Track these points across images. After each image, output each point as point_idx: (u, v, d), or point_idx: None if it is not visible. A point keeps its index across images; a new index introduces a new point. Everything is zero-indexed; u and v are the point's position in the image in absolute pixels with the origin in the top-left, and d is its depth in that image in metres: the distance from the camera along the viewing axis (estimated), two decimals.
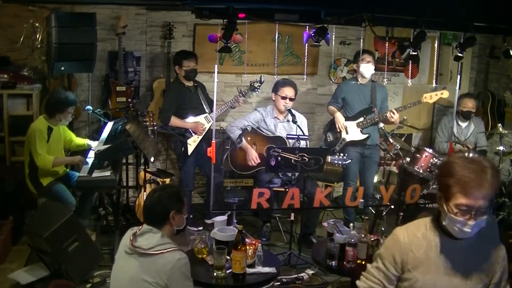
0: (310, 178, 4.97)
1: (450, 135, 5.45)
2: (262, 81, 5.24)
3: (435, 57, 6.27)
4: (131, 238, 2.60)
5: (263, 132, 5.13)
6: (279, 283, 4.10)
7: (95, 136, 5.11)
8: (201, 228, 5.15)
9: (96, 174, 4.30)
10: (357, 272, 3.30)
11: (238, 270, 3.09)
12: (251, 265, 3.23)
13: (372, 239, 3.34)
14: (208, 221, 5.15)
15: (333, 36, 4.79)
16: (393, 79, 6.22)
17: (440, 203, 1.99)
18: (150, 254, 2.53)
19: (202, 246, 3.32)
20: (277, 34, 5.25)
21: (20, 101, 5.04)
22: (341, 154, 4.84)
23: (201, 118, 5.17)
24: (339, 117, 5.13)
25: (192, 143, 5.13)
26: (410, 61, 5.74)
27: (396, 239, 2.06)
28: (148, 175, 4.60)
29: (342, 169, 5.26)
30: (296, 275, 4.26)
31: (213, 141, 4.10)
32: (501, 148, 5.32)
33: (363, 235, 3.32)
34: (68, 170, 4.82)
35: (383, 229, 5.08)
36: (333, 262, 3.35)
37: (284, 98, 4.99)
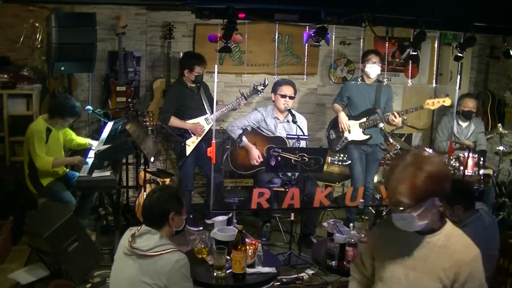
0: (310, 178, 4.97)
1: (450, 134, 5.45)
2: (266, 84, 5.22)
3: (435, 57, 6.27)
4: (130, 240, 2.59)
5: (263, 132, 5.13)
6: (279, 283, 4.10)
7: (95, 136, 5.11)
8: (201, 228, 5.15)
9: (96, 174, 4.30)
10: None
11: (238, 270, 3.09)
12: (251, 265, 3.23)
13: None
14: (208, 221, 5.15)
15: (333, 36, 4.80)
16: (393, 79, 6.22)
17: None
18: (149, 255, 2.52)
19: (202, 246, 3.32)
20: (277, 34, 5.25)
21: (20, 101, 5.04)
22: (341, 155, 4.85)
23: (201, 120, 5.17)
24: (343, 116, 5.13)
25: (191, 144, 5.12)
26: (410, 61, 5.74)
27: (374, 229, 2.39)
28: (148, 175, 4.61)
29: (349, 170, 5.27)
30: (296, 275, 4.26)
31: (213, 141, 4.10)
32: (501, 148, 5.32)
33: (363, 235, 3.32)
34: (68, 170, 4.82)
35: None
36: (333, 262, 3.35)
37: (283, 96, 4.99)
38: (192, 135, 5.12)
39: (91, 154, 4.59)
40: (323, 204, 4.20)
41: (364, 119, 5.09)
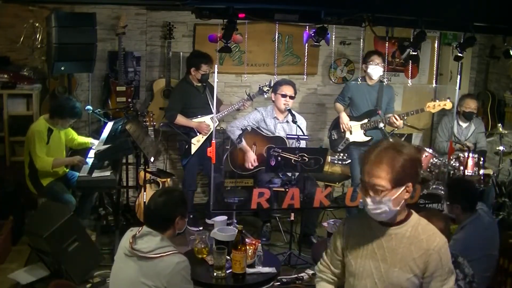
0: (310, 178, 4.97)
1: (450, 134, 5.45)
2: (272, 85, 5.23)
3: (435, 57, 6.27)
4: (131, 241, 2.59)
5: (263, 132, 5.13)
6: (279, 283, 4.09)
7: (95, 136, 5.11)
8: (201, 228, 5.15)
9: (96, 174, 4.30)
10: None
11: (238, 270, 3.09)
12: (251, 265, 3.24)
13: None
14: (208, 221, 5.15)
15: (333, 36, 4.80)
16: (393, 79, 6.22)
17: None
18: (149, 257, 2.52)
19: (202, 246, 3.32)
20: (277, 34, 5.25)
21: (20, 101, 5.04)
22: (341, 154, 4.84)
23: (206, 119, 5.18)
24: (344, 117, 5.13)
25: (196, 142, 5.13)
26: (410, 61, 5.74)
27: (339, 226, 2.26)
28: (148, 175, 4.61)
29: (350, 170, 5.27)
30: (296, 275, 4.26)
31: (213, 141, 4.10)
32: (501, 148, 5.32)
33: None
34: (68, 170, 4.82)
35: None
36: None
37: (284, 96, 4.99)
38: (198, 133, 5.13)
39: (91, 154, 4.59)
40: (323, 204, 4.19)
41: (365, 120, 5.09)
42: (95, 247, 4.22)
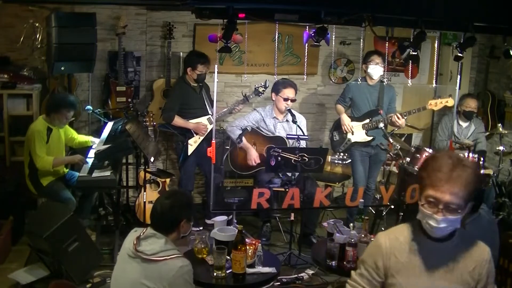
0: (310, 178, 4.97)
1: (450, 134, 5.45)
2: (267, 85, 5.23)
3: (435, 57, 6.27)
4: (135, 242, 2.58)
5: (263, 132, 5.13)
6: (279, 283, 4.10)
7: (95, 136, 5.11)
8: (201, 228, 5.15)
9: (96, 174, 4.30)
10: None
11: (238, 270, 3.09)
12: (251, 265, 3.23)
13: (372, 239, 3.34)
14: (208, 221, 5.15)
15: (333, 36, 4.79)
16: (393, 79, 6.22)
17: (418, 197, 2.01)
18: (153, 260, 2.52)
19: (202, 246, 3.32)
20: (277, 34, 5.25)
21: (20, 101, 5.04)
22: (341, 154, 4.84)
23: (203, 119, 5.18)
24: (345, 118, 5.13)
25: (193, 143, 5.13)
26: (410, 61, 5.74)
27: (378, 245, 2.05)
28: (148, 175, 4.61)
29: (351, 170, 5.28)
30: (296, 275, 4.26)
31: (213, 141, 4.10)
32: (501, 148, 5.32)
33: (363, 235, 3.32)
34: (68, 170, 4.82)
35: (383, 229, 5.09)
36: (333, 262, 3.35)
37: (286, 99, 4.98)
38: (195, 134, 5.13)
39: (91, 153, 4.59)
40: (323, 204, 4.19)
41: (367, 120, 5.08)
42: (95, 247, 4.22)
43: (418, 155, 4.97)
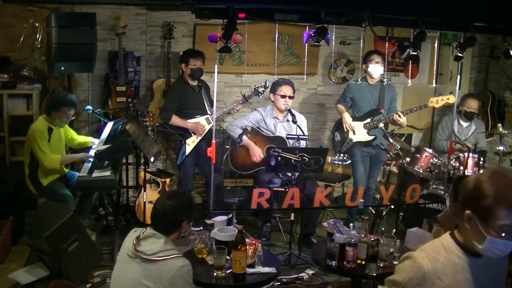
0: (310, 178, 4.97)
1: (450, 134, 5.45)
2: (267, 86, 5.23)
3: (435, 57, 6.27)
4: (134, 242, 2.58)
5: (263, 132, 5.13)
6: (279, 283, 4.10)
7: (95, 136, 5.11)
8: (201, 228, 5.15)
9: (96, 174, 4.30)
10: (357, 272, 3.32)
11: (238, 270, 3.08)
12: (251, 265, 3.23)
13: (372, 239, 3.34)
14: (208, 221, 5.15)
15: (333, 36, 4.80)
16: (393, 79, 6.22)
17: (471, 224, 1.79)
18: (153, 260, 2.52)
19: (202, 246, 3.32)
20: (277, 34, 5.25)
21: (20, 101, 5.04)
22: (341, 155, 4.84)
23: (202, 119, 5.17)
24: (347, 117, 5.13)
25: (191, 143, 5.13)
26: (410, 61, 5.74)
27: (419, 268, 1.83)
28: (148, 175, 4.60)
29: (351, 170, 5.28)
30: (296, 275, 4.26)
31: (213, 141, 4.10)
32: (501, 148, 5.32)
33: (363, 235, 3.32)
34: (68, 170, 4.82)
35: (383, 229, 5.09)
36: (333, 262, 3.35)
37: (283, 96, 4.99)
38: (193, 134, 5.13)
39: (92, 153, 4.59)
40: (323, 204, 4.19)
41: (368, 120, 5.08)
42: (95, 247, 4.22)
43: (418, 155, 4.98)
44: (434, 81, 6.32)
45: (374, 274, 3.29)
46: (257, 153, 4.98)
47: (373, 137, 5.08)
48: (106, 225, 5.04)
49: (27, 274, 3.94)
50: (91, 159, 4.48)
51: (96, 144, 4.80)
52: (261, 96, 5.33)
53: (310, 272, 4.32)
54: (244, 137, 4.99)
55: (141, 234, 2.63)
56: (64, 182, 4.65)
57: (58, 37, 4.53)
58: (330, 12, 3.85)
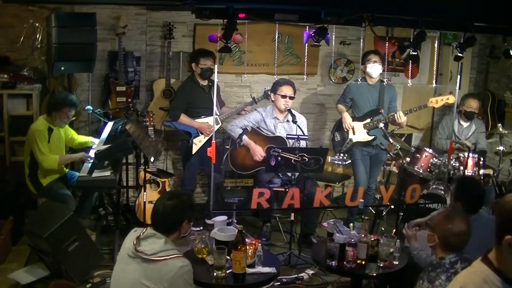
0: (310, 178, 4.97)
1: (450, 133, 5.45)
2: None
3: (435, 57, 6.27)
4: (135, 242, 2.58)
5: (263, 132, 5.13)
6: (279, 283, 4.10)
7: (95, 136, 5.11)
8: (201, 228, 5.15)
9: (96, 174, 4.30)
10: (357, 272, 3.32)
11: (238, 270, 3.08)
12: (251, 265, 3.23)
13: (372, 239, 3.34)
14: (208, 221, 5.15)
15: (333, 36, 4.80)
16: (393, 79, 6.22)
17: (510, 249, 1.70)
18: (153, 260, 2.52)
19: (202, 246, 3.32)
20: (277, 34, 5.25)
21: (20, 101, 5.04)
22: (341, 155, 4.84)
23: (210, 119, 5.18)
24: (347, 117, 5.13)
25: (198, 143, 5.14)
26: (410, 61, 5.74)
27: None
28: (148, 175, 4.61)
29: (352, 171, 5.28)
30: (296, 275, 4.27)
31: (213, 141, 4.10)
32: (501, 148, 5.32)
33: (363, 235, 3.32)
34: (68, 170, 4.82)
35: (383, 229, 5.09)
36: (333, 262, 3.35)
37: (284, 97, 4.99)
38: (200, 134, 5.13)
39: (92, 153, 4.59)
40: (323, 204, 4.19)
41: (368, 120, 5.08)
42: (95, 247, 4.22)
43: (418, 155, 4.98)
44: (434, 81, 6.32)
45: (374, 274, 3.29)
46: (258, 152, 4.98)
47: (373, 137, 5.08)
48: (106, 225, 5.04)
49: (27, 274, 3.94)
50: (91, 159, 4.48)
51: (96, 144, 4.80)
52: (270, 99, 5.27)
53: (310, 272, 4.32)
54: (244, 136, 4.99)
55: (141, 234, 2.63)
56: (64, 182, 4.65)
57: (58, 37, 4.53)
58: (330, 12, 3.84)
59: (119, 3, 5.21)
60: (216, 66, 4.20)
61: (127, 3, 5.23)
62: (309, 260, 4.31)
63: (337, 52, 6.06)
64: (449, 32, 6.17)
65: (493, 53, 6.13)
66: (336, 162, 4.83)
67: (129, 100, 5.29)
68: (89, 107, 4.98)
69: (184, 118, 5.11)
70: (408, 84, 6.00)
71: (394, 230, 4.38)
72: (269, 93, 5.17)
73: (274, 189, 4.90)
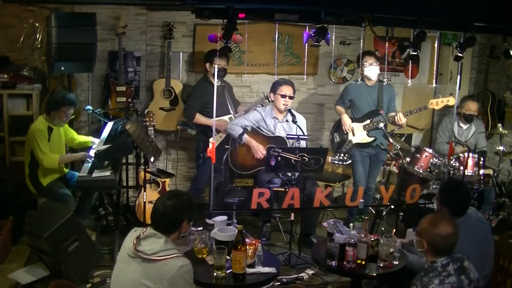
0: (310, 178, 4.97)
1: (450, 136, 5.44)
2: None
3: (435, 57, 6.27)
4: (135, 242, 2.58)
5: (263, 132, 5.13)
6: (279, 283, 4.10)
7: (95, 136, 5.11)
8: (201, 228, 5.15)
9: (96, 174, 4.30)
10: (357, 272, 3.32)
11: (238, 270, 3.08)
12: (251, 265, 3.23)
13: (372, 239, 3.34)
14: (209, 221, 5.15)
15: (333, 36, 4.79)
16: (393, 79, 6.22)
17: None
18: (153, 259, 2.52)
19: (202, 246, 3.32)
20: (277, 34, 5.24)
21: (20, 101, 5.04)
22: (341, 155, 4.84)
23: (225, 119, 5.19)
24: (346, 118, 5.12)
25: (215, 141, 5.13)
26: (410, 61, 5.71)
27: None
28: (148, 175, 4.61)
29: (351, 171, 5.28)
30: (296, 275, 4.26)
31: (213, 141, 4.10)
32: (501, 148, 5.32)
33: (363, 235, 3.32)
34: (68, 170, 4.82)
35: (383, 229, 5.10)
36: (333, 262, 3.35)
37: (283, 96, 4.98)
38: (216, 133, 5.14)
39: (92, 153, 4.59)
40: (323, 204, 4.19)
41: (368, 121, 5.08)
42: (95, 247, 4.22)
43: (418, 155, 4.98)
44: (434, 81, 6.32)
45: (374, 274, 3.29)
46: (259, 150, 4.98)
47: (372, 138, 5.07)
48: (106, 225, 5.04)
49: (27, 274, 3.94)
50: (91, 159, 4.48)
51: (96, 143, 4.80)
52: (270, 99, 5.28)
53: (310, 272, 4.32)
54: (245, 135, 4.99)
55: (141, 234, 2.63)
56: (64, 182, 4.65)
57: (58, 37, 4.53)
58: (330, 12, 3.85)
59: (119, 3, 5.22)
60: (216, 66, 4.20)
61: (127, 3, 5.24)
62: (309, 260, 4.31)
63: (337, 52, 6.06)
64: (449, 32, 6.17)
65: (493, 53, 6.13)
66: (336, 162, 4.83)
67: (129, 100, 5.29)
68: (89, 107, 4.98)
69: (199, 117, 5.15)
70: (408, 84, 6.00)
71: (394, 230, 4.38)
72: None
73: (274, 189, 4.89)
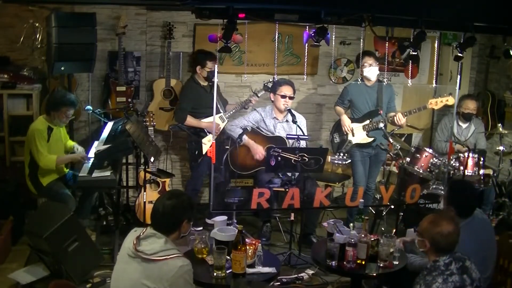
0: (310, 178, 4.97)
1: (450, 135, 5.44)
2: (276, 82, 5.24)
3: (435, 57, 6.27)
4: (135, 242, 2.58)
5: (263, 132, 5.13)
6: (279, 283, 4.10)
7: (95, 136, 5.11)
8: (201, 228, 5.15)
9: (96, 174, 4.29)
10: (357, 272, 3.32)
11: (238, 270, 3.09)
12: (251, 265, 3.23)
13: (372, 239, 3.34)
14: (209, 221, 5.15)
15: (333, 36, 4.79)
16: (393, 79, 6.22)
17: None
18: (153, 259, 2.52)
19: (202, 246, 3.32)
20: (277, 34, 5.24)
21: (20, 101, 5.04)
22: (341, 154, 4.84)
23: (216, 118, 5.18)
24: (345, 119, 5.12)
25: (207, 142, 5.13)
26: (410, 61, 5.74)
27: None
28: (148, 175, 4.60)
29: (351, 171, 5.28)
30: (296, 275, 4.26)
31: (213, 141, 4.10)
32: (501, 148, 5.32)
33: (363, 235, 3.32)
34: (68, 170, 4.82)
35: (383, 229, 5.10)
36: (333, 262, 3.35)
37: (283, 97, 4.98)
38: (208, 133, 5.14)
39: (92, 154, 4.59)
40: (323, 204, 4.19)
41: (367, 121, 5.08)
42: (95, 247, 4.22)
43: (418, 155, 4.98)
44: (434, 81, 6.32)
45: (374, 274, 3.29)
46: (259, 151, 4.98)
47: (372, 139, 5.07)
48: (106, 225, 5.04)
49: (27, 274, 3.94)
50: (89, 160, 4.48)
51: (79, 150, 4.79)
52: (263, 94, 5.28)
53: (310, 272, 4.32)
54: (244, 136, 4.99)
55: (141, 234, 2.63)
56: (64, 182, 4.65)
57: (58, 37, 4.53)
58: (330, 12, 3.85)
59: (119, 3, 5.22)
60: (216, 66, 4.20)
61: (127, 3, 5.24)
62: (309, 260, 4.31)
63: (337, 52, 6.06)
64: (449, 32, 6.17)
65: (493, 53, 6.14)
66: (336, 161, 4.83)
67: (129, 100, 5.29)
68: (89, 107, 4.98)
69: (190, 120, 5.13)
70: (408, 84, 6.00)
71: (394, 230, 4.38)
72: (268, 86, 5.15)
73: (274, 189, 4.89)
